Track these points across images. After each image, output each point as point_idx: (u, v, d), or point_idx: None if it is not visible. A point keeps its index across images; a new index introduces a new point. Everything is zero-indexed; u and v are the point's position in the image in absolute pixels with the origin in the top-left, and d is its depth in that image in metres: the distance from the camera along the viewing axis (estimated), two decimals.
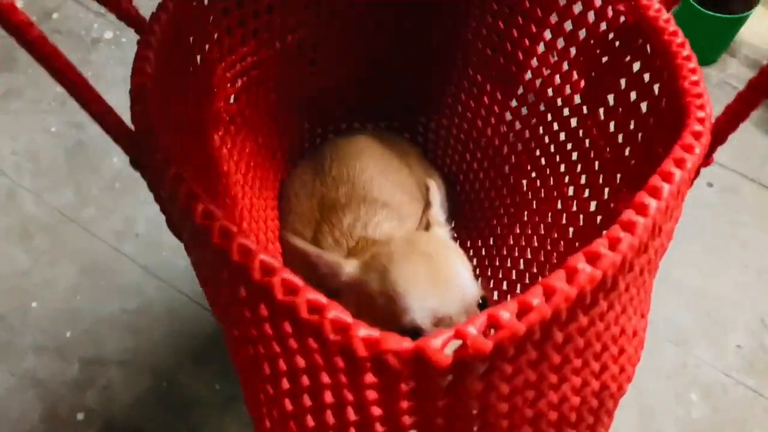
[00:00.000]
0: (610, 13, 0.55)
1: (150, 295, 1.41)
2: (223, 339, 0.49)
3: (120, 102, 0.54)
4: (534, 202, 0.71)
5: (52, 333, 1.35)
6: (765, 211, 1.62)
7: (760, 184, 1.68)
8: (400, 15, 0.78)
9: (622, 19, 0.53)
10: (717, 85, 1.87)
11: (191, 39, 0.63)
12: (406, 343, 0.29)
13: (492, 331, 0.28)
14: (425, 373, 0.29)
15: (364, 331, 0.29)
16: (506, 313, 0.28)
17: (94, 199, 1.55)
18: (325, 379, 0.33)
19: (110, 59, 1.81)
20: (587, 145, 0.63)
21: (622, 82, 0.55)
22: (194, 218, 0.35)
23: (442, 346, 0.29)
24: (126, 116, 0.51)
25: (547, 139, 0.70)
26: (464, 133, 0.86)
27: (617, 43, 0.55)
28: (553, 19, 0.62)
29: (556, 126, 0.69)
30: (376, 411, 0.33)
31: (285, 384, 0.36)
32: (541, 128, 0.71)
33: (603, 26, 0.57)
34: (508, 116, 0.76)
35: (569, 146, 0.66)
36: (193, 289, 1.42)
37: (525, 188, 0.72)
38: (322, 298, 0.30)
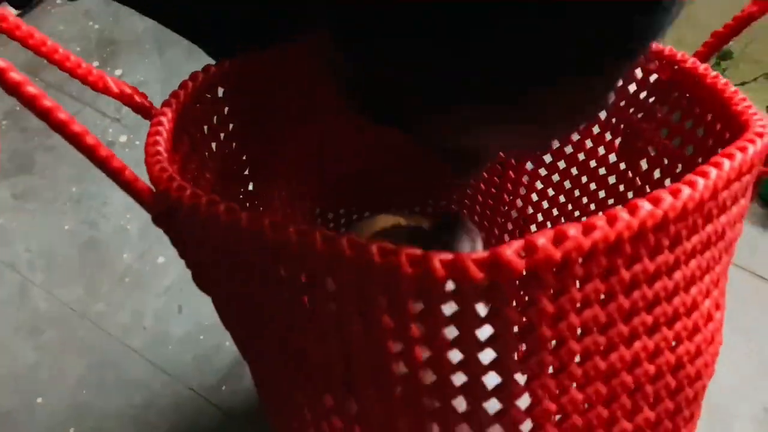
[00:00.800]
0: (639, 74, 0.59)
1: (156, 390, 1.38)
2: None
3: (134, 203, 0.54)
4: None
5: (58, 429, 1.31)
6: (759, 300, 1.63)
7: (752, 273, 1.70)
8: None
9: (654, 77, 0.57)
10: None
11: (205, 128, 0.64)
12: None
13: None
14: (501, 282, 0.31)
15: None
16: (572, 230, 0.31)
17: (104, 295, 1.55)
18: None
19: (125, 160, 1.86)
20: (630, 195, 0.65)
21: (663, 131, 0.58)
22: (242, 225, 0.36)
23: (516, 252, 0.31)
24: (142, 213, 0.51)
25: (585, 200, 0.72)
26: (491, 210, 0.89)
27: (652, 100, 0.59)
28: None
29: (593, 186, 0.71)
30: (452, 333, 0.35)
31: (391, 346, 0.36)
32: (576, 191, 0.73)
33: (633, 88, 0.61)
34: (539, 185, 0.78)
35: (611, 201, 0.68)
36: (199, 383, 1.39)
37: None
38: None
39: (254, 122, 0.71)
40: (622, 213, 0.32)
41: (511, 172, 0.81)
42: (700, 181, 0.34)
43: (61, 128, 0.45)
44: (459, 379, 0.37)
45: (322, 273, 0.35)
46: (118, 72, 2.09)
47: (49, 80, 2.05)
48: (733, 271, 1.52)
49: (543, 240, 0.30)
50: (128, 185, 0.47)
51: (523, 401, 0.36)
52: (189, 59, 2.14)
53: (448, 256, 0.30)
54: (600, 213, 0.32)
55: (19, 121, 1.96)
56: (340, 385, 0.41)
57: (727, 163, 0.36)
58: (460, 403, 0.37)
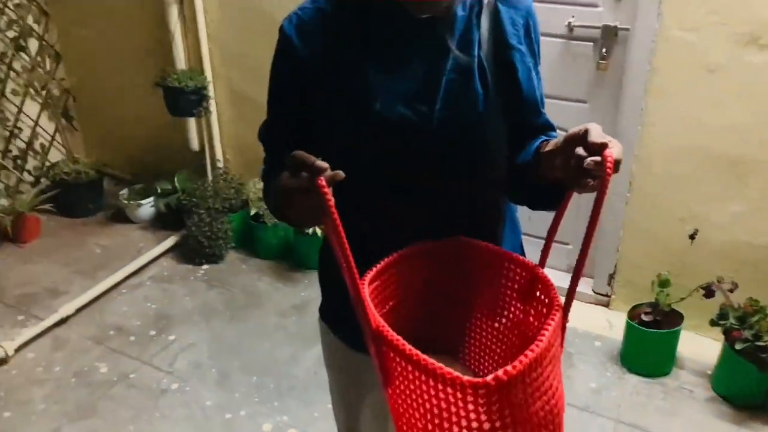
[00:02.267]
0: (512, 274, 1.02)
1: None
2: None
3: None
4: None
5: None
6: None
7: None
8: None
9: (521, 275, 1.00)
10: (675, 389, 2.25)
11: None
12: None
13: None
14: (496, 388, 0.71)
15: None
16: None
17: None
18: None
19: (175, 403, 2.22)
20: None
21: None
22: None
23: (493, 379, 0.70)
24: None
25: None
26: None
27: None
28: None
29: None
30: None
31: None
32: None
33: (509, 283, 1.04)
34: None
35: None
36: None
37: None
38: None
39: None
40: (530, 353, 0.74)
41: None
42: (541, 344, 0.77)
43: None
44: None
45: None
46: (171, 337, 2.54)
47: (113, 347, 2.50)
48: None
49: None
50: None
51: None
52: (229, 326, 2.61)
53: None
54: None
55: (85, 377, 2.35)
56: None
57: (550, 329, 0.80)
58: None
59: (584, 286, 2.67)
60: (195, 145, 3.23)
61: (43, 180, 3.43)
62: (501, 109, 1.00)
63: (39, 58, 3.32)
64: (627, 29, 2.25)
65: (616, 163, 0.78)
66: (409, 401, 0.82)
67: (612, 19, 2.28)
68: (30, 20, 3.24)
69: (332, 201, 0.76)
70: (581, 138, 0.81)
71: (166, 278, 2.92)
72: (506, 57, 0.99)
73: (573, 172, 0.82)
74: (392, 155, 0.97)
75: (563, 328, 0.89)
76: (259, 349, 2.48)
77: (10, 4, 3.16)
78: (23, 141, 3.42)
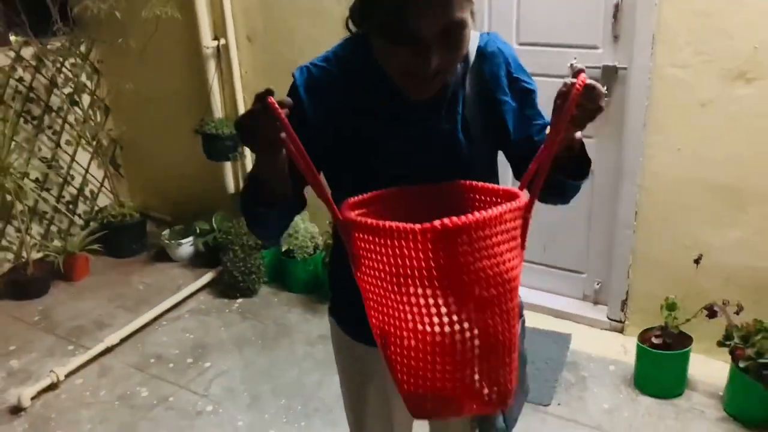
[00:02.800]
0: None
1: None
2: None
3: None
4: None
5: None
6: None
7: None
8: None
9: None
10: (687, 410, 2.33)
11: None
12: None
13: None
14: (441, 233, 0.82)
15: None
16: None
17: None
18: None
19: (210, 424, 2.39)
20: None
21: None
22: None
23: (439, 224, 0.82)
24: None
25: None
26: None
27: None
28: None
29: None
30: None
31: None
32: None
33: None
34: None
35: None
36: None
37: None
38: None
39: None
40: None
41: None
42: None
43: None
44: None
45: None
46: (207, 365, 2.72)
47: (153, 373, 2.69)
48: None
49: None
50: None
51: None
52: (261, 354, 2.78)
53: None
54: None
55: (128, 400, 2.54)
56: None
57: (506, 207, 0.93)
58: None
59: (599, 313, 2.78)
60: (231, 187, 3.48)
61: (92, 223, 3.71)
62: (490, 148, 1.17)
63: (90, 111, 3.63)
64: (625, 68, 2.42)
65: (591, 91, 0.91)
66: (375, 272, 0.93)
67: (611, 60, 2.45)
68: (83, 77, 3.57)
69: (282, 114, 0.87)
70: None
71: (203, 311, 3.12)
72: (492, 108, 1.15)
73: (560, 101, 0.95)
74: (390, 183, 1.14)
75: (525, 226, 0.96)
76: (288, 374, 2.64)
77: (66, 64, 3.50)
78: (75, 187, 3.72)
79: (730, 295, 2.29)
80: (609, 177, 2.60)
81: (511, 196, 1.02)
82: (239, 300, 3.18)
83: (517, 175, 1.17)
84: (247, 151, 3.34)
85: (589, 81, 0.91)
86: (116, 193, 3.76)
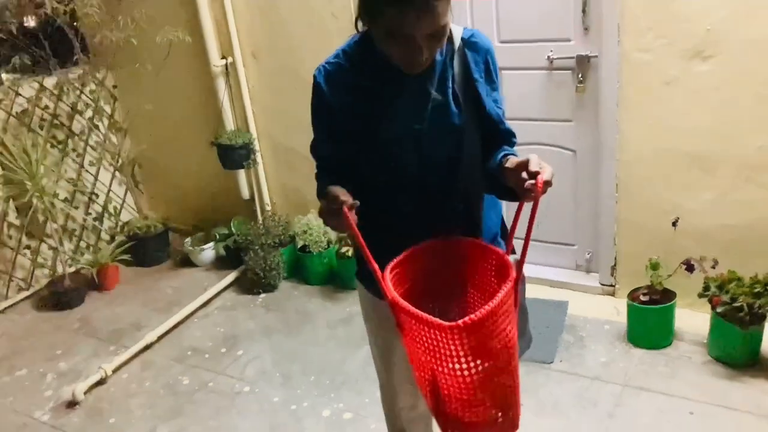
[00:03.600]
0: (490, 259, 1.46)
1: None
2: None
3: None
4: None
5: None
6: None
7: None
8: None
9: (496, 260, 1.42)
10: (676, 357, 2.59)
11: None
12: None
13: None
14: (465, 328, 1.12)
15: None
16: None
17: None
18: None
19: (248, 402, 2.65)
20: None
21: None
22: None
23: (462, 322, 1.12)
24: None
25: None
26: None
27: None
28: None
29: None
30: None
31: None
32: None
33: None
34: None
35: None
36: None
37: None
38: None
39: None
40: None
41: None
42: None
43: None
44: None
45: None
46: (239, 352, 2.98)
47: (192, 363, 2.96)
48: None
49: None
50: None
51: None
52: (287, 339, 3.05)
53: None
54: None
55: (171, 388, 2.80)
56: None
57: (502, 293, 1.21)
58: None
59: (592, 280, 3.05)
60: (246, 193, 3.75)
61: (117, 237, 3.98)
62: (472, 122, 1.45)
63: (109, 133, 3.92)
64: (596, 56, 2.70)
65: (546, 184, 1.20)
66: (415, 342, 1.24)
67: (583, 50, 2.73)
68: (101, 102, 3.86)
69: (351, 219, 1.23)
70: (524, 166, 1.23)
71: (230, 307, 3.39)
72: (473, 87, 1.43)
73: (520, 188, 1.24)
74: (398, 160, 1.42)
75: (516, 292, 1.27)
76: (314, 354, 2.91)
77: (86, 90, 3.78)
78: (99, 205, 4.00)
79: (706, 251, 2.55)
80: (589, 155, 2.88)
81: (502, 264, 1.34)
82: (262, 295, 3.45)
83: (485, 155, 1.45)
84: (260, 159, 3.62)
85: (545, 179, 1.20)
86: (140, 207, 4.04)
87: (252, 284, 3.47)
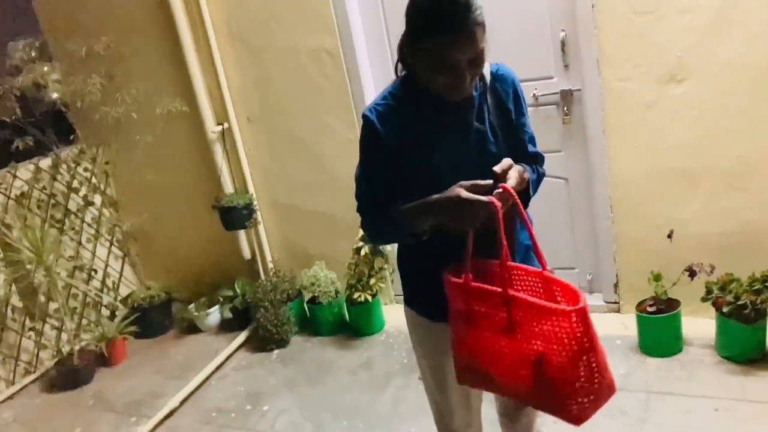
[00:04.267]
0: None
1: None
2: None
3: None
4: None
5: None
6: None
7: None
8: None
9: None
10: (689, 361, 2.74)
11: None
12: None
13: None
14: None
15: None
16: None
17: None
18: None
19: None
20: None
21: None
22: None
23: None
24: None
25: None
26: None
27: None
28: None
29: None
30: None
31: None
32: None
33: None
34: None
35: None
36: None
37: None
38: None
39: None
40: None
41: None
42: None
43: None
44: None
45: None
46: (265, 408, 3.00)
47: (221, 423, 2.95)
48: None
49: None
50: None
51: None
52: (311, 390, 3.08)
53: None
54: None
55: None
56: None
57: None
58: None
59: (596, 300, 3.20)
60: (247, 253, 3.82)
61: (118, 311, 3.98)
62: (506, 148, 1.60)
63: (104, 209, 3.97)
64: (579, 90, 2.93)
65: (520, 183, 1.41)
66: (532, 334, 1.33)
67: (566, 85, 2.96)
68: (94, 180, 3.92)
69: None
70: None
71: (245, 366, 3.41)
72: (506, 116, 1.60)
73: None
74: (447, 186, 1.54)
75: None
76: (341, 401, 2.95)
77: (79, 169, 3.85)
78: (98, 280, 4.01)
79: (701, 258, 2.74)
80: (582, 181, 3.07)
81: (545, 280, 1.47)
82: (276, 351, 3.49)
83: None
84: (260, 218, 3.71)
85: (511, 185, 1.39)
86: (140, 278, 4.06)
87: (264, 341, 3.51)
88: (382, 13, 3.20)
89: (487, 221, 1.35)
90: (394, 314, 3.60)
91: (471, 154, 1.56)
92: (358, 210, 1.65)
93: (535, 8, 2.89)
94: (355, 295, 3.36)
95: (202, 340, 3.78)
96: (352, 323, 3.51)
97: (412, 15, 1.42)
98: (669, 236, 2.83)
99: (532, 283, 1.49)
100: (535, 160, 1.67)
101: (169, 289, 4.04)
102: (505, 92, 1.61)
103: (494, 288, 1.39)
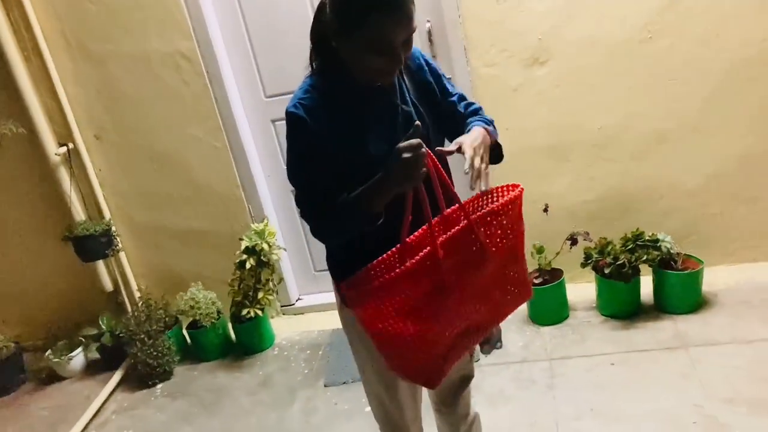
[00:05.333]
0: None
1: None
2: None
3: None
4: None
5: None
6: None
7: None
8: None
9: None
10: (578, 325, 2.91)
11: None
12: None
13: None
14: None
15: None
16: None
17: None
18: None
19: None
20: None
21: None
22: None
23: None
24: None
25: None
26: None
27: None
28: None
29: None
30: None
31: None
32: None
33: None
34: None
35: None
36: None
37: None
38: None
39: None
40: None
41: None
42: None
43: None
44: None
45: None
46: None
47: None
48: None
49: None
50: None
51: None
52: (211, 419, 2.85)
53: None
54: None
55: None
56: None
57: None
58: None
59: None
60: (108, 285, 3.46)
61: None
62: (434, 123, 1.57)
63: None
64: (449, 78, 2.98)
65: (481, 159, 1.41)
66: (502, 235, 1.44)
67: None
68: None
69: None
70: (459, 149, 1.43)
71: (128, 407, 3.08)
72: (427, 90, 1.58)
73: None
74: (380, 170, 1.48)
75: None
76: (248, 425, 2.76)
77: None
78: None
79: (576, 227, 2.93)
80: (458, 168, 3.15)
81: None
82: (159, 385, 3.19)
83: (450, 137, 1.59)
84: (121, 244, 3.37)
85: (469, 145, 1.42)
86: None
87: (145, 377, 3.19)
88: (240, 10, 3.04)
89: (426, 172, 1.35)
90: (283, 326, 3.46)
91: (402, 137, 1.51)
92: (304, 215, 1.52)
93: None
94: (243, 312, 3.17)
95: (66, 388, 3.35)
96: (241, 342, 3.31)
97: None
98: (545, 210, 2.99)
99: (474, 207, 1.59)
100: (476, 111, 1.66)
101: (18, 338, 3.54)
102: (418, 66, 1.59)
103: (459, 226, 1.40)
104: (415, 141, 1.31)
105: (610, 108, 2.85)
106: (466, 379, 1.88)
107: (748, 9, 2.64)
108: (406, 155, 1.31)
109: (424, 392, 1.86)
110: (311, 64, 1.52)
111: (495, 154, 1.63)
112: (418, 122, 1.34)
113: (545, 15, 2.75)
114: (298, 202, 1.52)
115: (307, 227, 1.50)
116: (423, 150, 1.32)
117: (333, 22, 1.38)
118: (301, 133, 1.46)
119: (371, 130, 1.48)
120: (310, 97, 1.47)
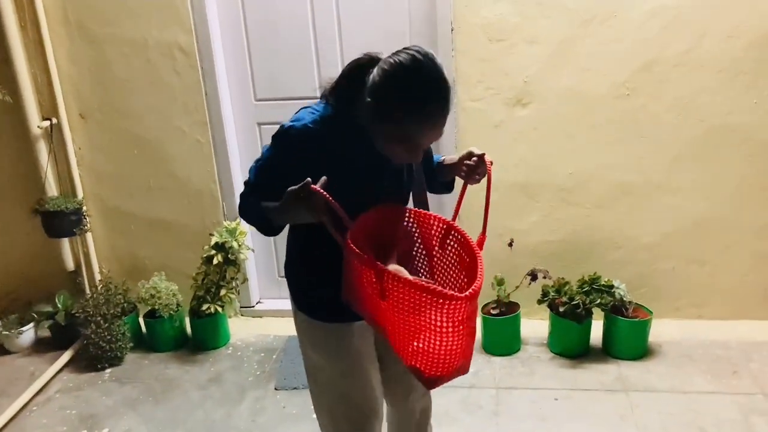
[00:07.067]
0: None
1: None
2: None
3: None
4: None
5: None
6: None
7: None
8: None
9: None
10: (528, 358, 3.01)
11: None
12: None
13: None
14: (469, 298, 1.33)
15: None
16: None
17: None
18: None
19: None
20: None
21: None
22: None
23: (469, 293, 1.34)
24: None
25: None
26: None
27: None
28: None
29: None
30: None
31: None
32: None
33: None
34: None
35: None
36: None
37: None
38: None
39: None
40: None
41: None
42: None
43: None
44: None
45: None
46: (105, 430, 2.71)
47: None
48: None
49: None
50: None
51: None
52: (157, 408, 2.84)
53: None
54: None
55: None
56: None
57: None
58: None
59: None
60: (70, 264, 3.44)
61: None
62: (417, 177, 1.68)
63: None
64: None
65: (490, 163, 1.55)
66: (403, 311, 1.38)
67: None
68: None
69: (320, 191, 1.33)
70: (469, 155, 1.58)
71: (74, 388, 3.05)
72: None
73: (467, 173, 1.60)
74: (355, 208, 1.51)
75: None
76: (194, 418, 2.77)
77: None
78: None
79: (537, 265, 3.05)
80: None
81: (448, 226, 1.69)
82: (109, 369, 3.17)
83: (429, 187, 1.78)
84: (89, 225, 3.37)
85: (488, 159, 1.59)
86: None
87: (95, 360, 3.17)
88: (242, 12, 3.12)
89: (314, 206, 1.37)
90: (239, 327, 3.49)
91: (382, 193, 1.60)
92: (241, 195, 1.62)
93: (399, 28, 3.03)
94: (203, 307, 3.19)
95: (12, 363, 3.30)
96: (196, 337, 3.32)
97: (396, 86, 1.37)
98: (510, 244, 3.11)
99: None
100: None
101: None
102: None
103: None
104: (306, 180, 1.34)
105: (582, 156, 3.00)
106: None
107: (717, 83, 2.84)
108: (293, 188, 1.36)
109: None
110: (329, 95, 1.54)
111: (447, 183, 1.83)
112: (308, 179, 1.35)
113: (534, 60, 2.90)
114: (245, 184, 1.61)
115: None
116: (310, 187, 1.33)
117: (373, 101, 1.41)
118: (287, 151, 1.50)
119: (354, 180, 1.53)
120: (315, 129, 1.49)
